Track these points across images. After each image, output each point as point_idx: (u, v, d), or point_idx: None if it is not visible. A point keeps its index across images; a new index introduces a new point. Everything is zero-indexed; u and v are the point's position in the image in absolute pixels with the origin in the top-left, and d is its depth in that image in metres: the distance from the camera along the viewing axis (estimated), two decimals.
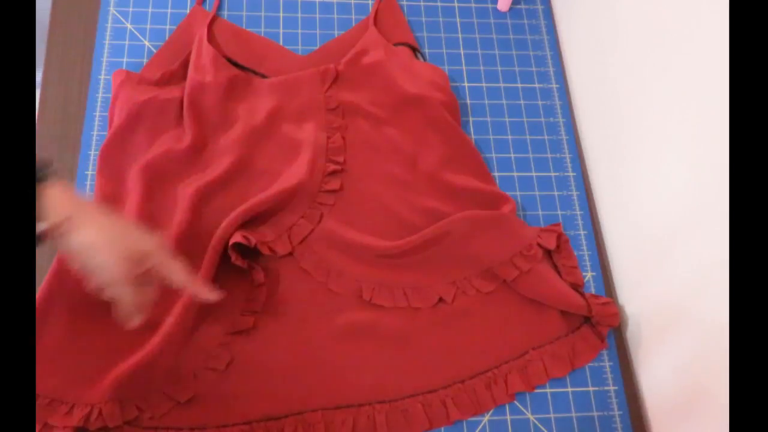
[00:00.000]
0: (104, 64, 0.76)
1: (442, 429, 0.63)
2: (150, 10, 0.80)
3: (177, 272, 0.54)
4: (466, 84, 0.82)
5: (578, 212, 0.76)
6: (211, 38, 0.77)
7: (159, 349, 0.59)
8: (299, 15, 0.83)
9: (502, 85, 0.82)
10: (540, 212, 0.75)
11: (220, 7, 0.81)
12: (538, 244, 0.69)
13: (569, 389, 0.67)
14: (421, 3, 0.86)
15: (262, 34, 0.81)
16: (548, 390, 0.66)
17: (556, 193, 0.77)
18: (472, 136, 0.79)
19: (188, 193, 0.67)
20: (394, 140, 0.75)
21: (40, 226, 0.46)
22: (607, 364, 0.68)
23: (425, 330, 0.67)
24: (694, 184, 0.58)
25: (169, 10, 0.80)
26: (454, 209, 0.70)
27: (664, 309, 0.64)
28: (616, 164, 0.74)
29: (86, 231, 0.49)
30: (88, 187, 0.69)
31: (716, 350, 0.54)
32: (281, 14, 0.83)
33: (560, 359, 0.67)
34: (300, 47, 0.81)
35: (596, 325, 0.68)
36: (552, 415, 0.65)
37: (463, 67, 0.83)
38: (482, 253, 0.68)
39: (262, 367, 0.63)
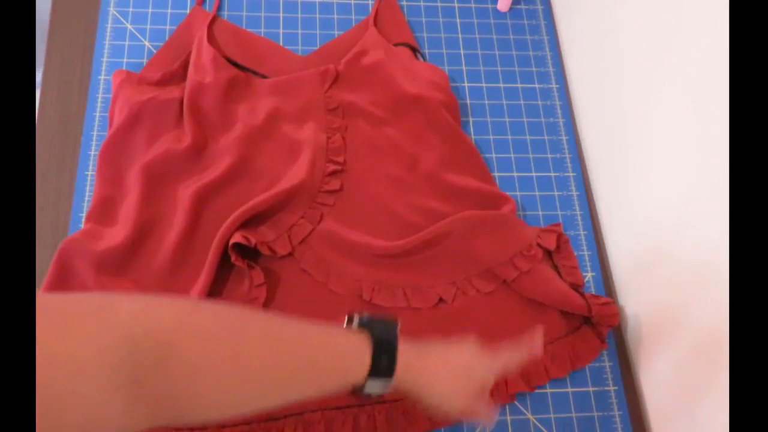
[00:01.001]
0: (104, 64, 0.76)
1: (442, 429, 0.63)
2: (150, 10, 0.80)
3: (518, 355, 0.55)
4: (466, 84, 0.82)
5: (578, 212, 0.76)
6: (211, 38, 0.77)
7: None
8: (299, 15, 0.83)
9: (502, 85, 0.82)
10: (540, 212, 0.75)
11: (220, 8, 0.81)
12: (538, 245, 0.69)
13: (569, 389, 0.67)
14: (421, 3, 0.86)
15: (262, 35, 0.81)
16: (548, 390, 0.66)
17: (556, 193, 0.77)
18: (472, 136, 0.79)
19: (188, 194, 0.67)
20: (394, 140, 0.75)
21: (389, 388, 0.47)
22: (607, 364, 0.68)
23: (425, 330, 0.67)
24: (695, 183, 0.58)
25: (169, 11, 0.80)
26: (454, 209, 0.70)
27: (664, 309, 0.64)
28: (616, 164, 0.74)
29: (437, 390, 0.50)
30: (87, 187, 0.69)
31: (716, 350, 0.54)
32: (281, 14, 0.83)
33: (560, 359, 0.67)
34: (300, 47, 0.81)
35: (596, 325, 0.68)
36: (552, 415, 0.65)
37: (463, 67, 0.83)
38: (482, 254, 0.68)
39: None
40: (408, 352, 0.48)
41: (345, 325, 0.49)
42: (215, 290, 0.64)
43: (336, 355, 0.45)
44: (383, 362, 0.46)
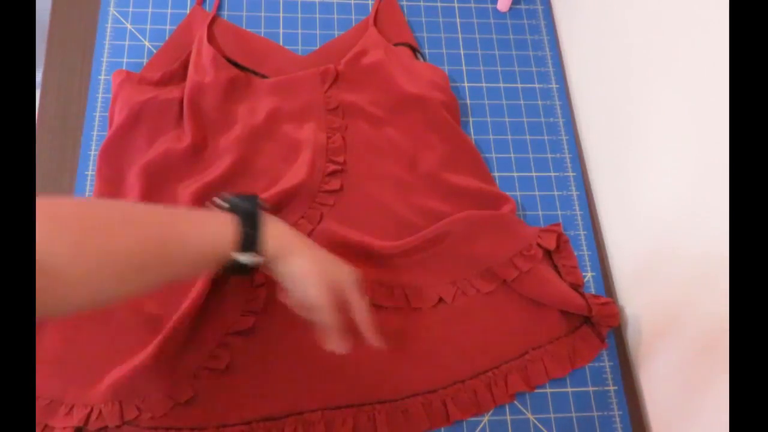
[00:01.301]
0: (104, 64, 0.76)
1: (442, 429, 0.63)
2: (150, 10, 0.80)
3: (362, 309, 0.56)
4: (466, 84, 0.82)
5: (578, 212, 0.76)
6: (211, 38, 0.77)
7: (159, 350, 0.59)
8: (299, 15, 0.83)
9: (502, 85, 0.82)
10: (540, 212, 0.75)
11: (220, 8, 0.81)
12: (538, 244, 0.69)
13: (569, 389, 0.67)
14: (421, 3, 0.86)
15: (262, 35, 0.81)
16: (548, 390, 0.66)
17: (556, 193, 0.77)
18: (472, 136, 0.79)
19: (188, 194, 0.67)
20: (394, 140, 0.75)
21: (257, 259, 0.50)
22: (607, 364, 0.68)
23: (425, 330, 0.67)
24: (695, 183, 0.58)
25: (169, 10, 0.80)
26: (454, 209, 0.70)
27: (664, 309, 0.64)
28: (616, 164, 0.74)
29: (298, 261, 0.52)
30: (87, 187, 0.69)
31: (716, 350, 0.54)
32: (281, 14, 0.83)
33: (560, 359, 0.67)
34: (300, 47, 0.81)
35: (596, 325, 0.68)
36: (552, 415, 0.65)
37: (463, 67, 0.83)
38: (482, 253, 0.68)
39: (262, 367, 0.63)
40: (275, 224, 0.51)
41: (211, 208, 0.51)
42: (215, 291, 0.64)
43: (202, 234, 0.47)
44: (248, 234, 0.49)
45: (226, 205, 0.51)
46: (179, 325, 0.60)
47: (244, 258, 0.49)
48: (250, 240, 0.49)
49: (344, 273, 0.56)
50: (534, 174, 0.78)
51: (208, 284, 0.62)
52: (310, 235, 0.69)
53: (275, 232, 0.51)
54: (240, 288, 0.65)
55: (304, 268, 0.52)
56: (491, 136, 0.79)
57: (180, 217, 0.48)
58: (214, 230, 0.48)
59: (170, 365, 0.61)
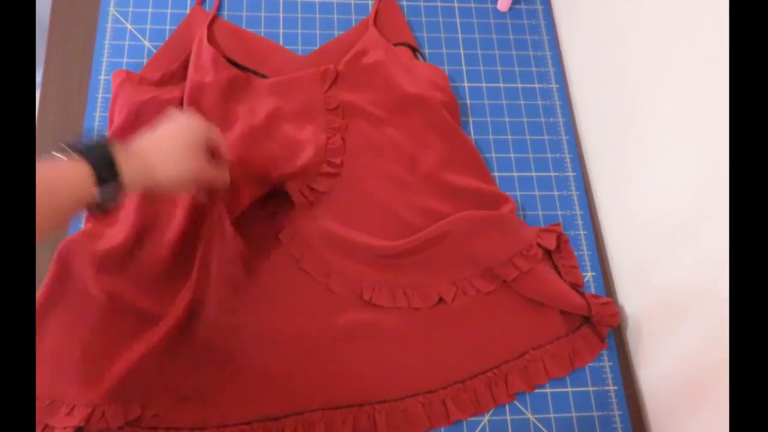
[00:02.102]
0: (104, 64, 0.76)
1: (442, 429, 0.63)
2: (150, 10, 0.80)
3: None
4: (466, 84, 0.82)
5: (578, 212, 0.76)
6: (211, 38, 0.77)
7: (158, 347, 0.59)
8: (299, 15, 0.83)
9: (502, 85, 0.82)
10: (540, 212, 0.75)
11: (220, 8, 0.81)
12: (538, 244, 0.69)
13: (569, 389, 0.67)
14: (421, 3, 0.86)
15: (262, 35, 0.81)
16: (548, 390, 0.66)
17: (556, 193, 0.77)
18: (472, 136, 0.79)
19: (187, 194, 0.67)
20: (394, 140, 0.75)
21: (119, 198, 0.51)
22: (607, 364, 0.68)
23: (425, 330, 0.67)
24: (695, 183, 0.58)
25: (169, 10, 0.80)
26: (454, 209, 0.70)
27: (663, 309, 0.64)
28: (616, 164, 0.74)
29: (162, 168, 0.54)
30: None
31: (716, 350, 0.54)
32: (281, 14, 0.83)
33: (560, 359, 0.67)
34: (300, 47, 0.81)
35: (596, 325, 0.68)
36: (552, 415, 0.65)
37: (463, 67, 0.83)
38: (482, 253, 0.68)
39: (262, 367, 0.63)
40: (128, 161, 0.51)
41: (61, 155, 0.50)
42: (207, 280, 0.64)
43: (62, 192, 0.47)
44: (107, 187, 0.49)
45: (75, 153, 0.49)
46: (178, 325, 0.60)
47: (107, 205, 0.50)
48: (111, 196, 0.50)
49: (195, 130, 0.57)
50: (534, 174, 0.78)
51: (202, 277, 0.62)
52: (310, 235, 0.69)
53: (132, 171, 0.51)
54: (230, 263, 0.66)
55: (172, 169, 0.55)
56: (491, 136, 0.79)
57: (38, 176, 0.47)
58: (71, 190, 0.48)
59: (169, 360, 0.61)
